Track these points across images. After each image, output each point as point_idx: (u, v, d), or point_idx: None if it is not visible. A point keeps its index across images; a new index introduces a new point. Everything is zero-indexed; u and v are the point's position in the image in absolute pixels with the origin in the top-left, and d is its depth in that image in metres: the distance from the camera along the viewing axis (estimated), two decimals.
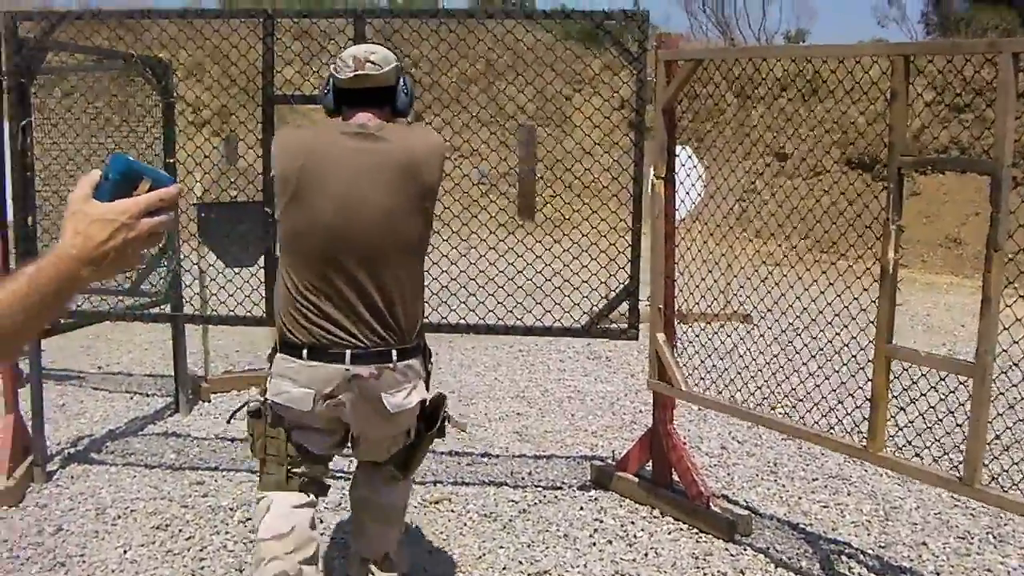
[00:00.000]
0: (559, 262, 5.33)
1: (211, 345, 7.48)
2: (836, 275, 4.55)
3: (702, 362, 5.21)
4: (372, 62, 3.37)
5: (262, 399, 3.43)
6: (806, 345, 4.73)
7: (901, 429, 4.80)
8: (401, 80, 3.47)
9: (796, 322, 4.90)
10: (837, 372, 4.66)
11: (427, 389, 3.55)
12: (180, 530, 4.75)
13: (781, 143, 15.58)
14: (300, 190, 3.25)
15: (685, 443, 5.26)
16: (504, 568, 4.43)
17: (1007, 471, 4.42)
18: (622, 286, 5.22)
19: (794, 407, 5.24)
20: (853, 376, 4.46)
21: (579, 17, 5.55)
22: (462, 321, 5.41)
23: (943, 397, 4.21)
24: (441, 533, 4.78)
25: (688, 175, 5.38)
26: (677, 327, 5.21)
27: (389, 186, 3.28)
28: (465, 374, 8.20)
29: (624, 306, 5.25)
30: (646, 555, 4.57)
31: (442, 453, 5.91)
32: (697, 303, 5.25)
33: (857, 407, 4.53)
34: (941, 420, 4.25)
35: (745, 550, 4.61)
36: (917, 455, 4.40)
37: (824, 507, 5.18)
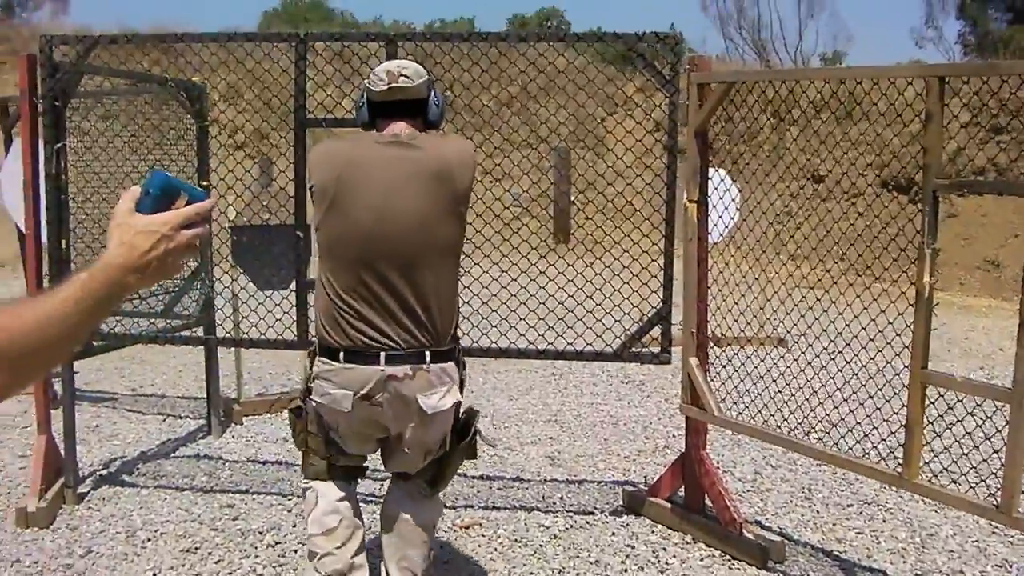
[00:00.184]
0: (591, 286, 5.29)
1: (245, 367, 7.50)
2: (870, 299, 4.49)
3: (735, 387, 5.16)
4: (405, 75, 3.51)
5: (303, 399, 3.65)
6: (840, 370, 4.68)
7: (937, 456, 4.73)
8: (432, 93, 3.61)
9: (831, 346, 4.85)
10: (872, 397, 4.59)
11: (461, 395, 3.64)
12: (209, 553, 4.74)
13: (815, 165, 15.49)
14: (338, 199, 3.40)
15: (718, 468, 5.21)
16: None
17: None
18: (655, 310, 5.18)
19: (828, 433, 5.17)
20: (888, 401, 4.40)
21: (611, 39, 5.51)
22: (494, 345, 5.38)
23: (980, 423, 4.14)
24: (472, 558, 4.74)
25: (721, 198, 5.34)
26: (711, 351, 5.17)
27: (423, 192, 3.40)
28: (498, 398, 8.17)
29: (656, 330, 5.21)
30: None
31: (473, 477, 5.88)
32: (730, 327, 5.20)
33: (892, 432, 4.46)
34: (978, 446, 4.18)
35: None
36: (953, 482, 4.34)
37: (859, 534, 5.11)
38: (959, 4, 34.26)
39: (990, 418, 4.20)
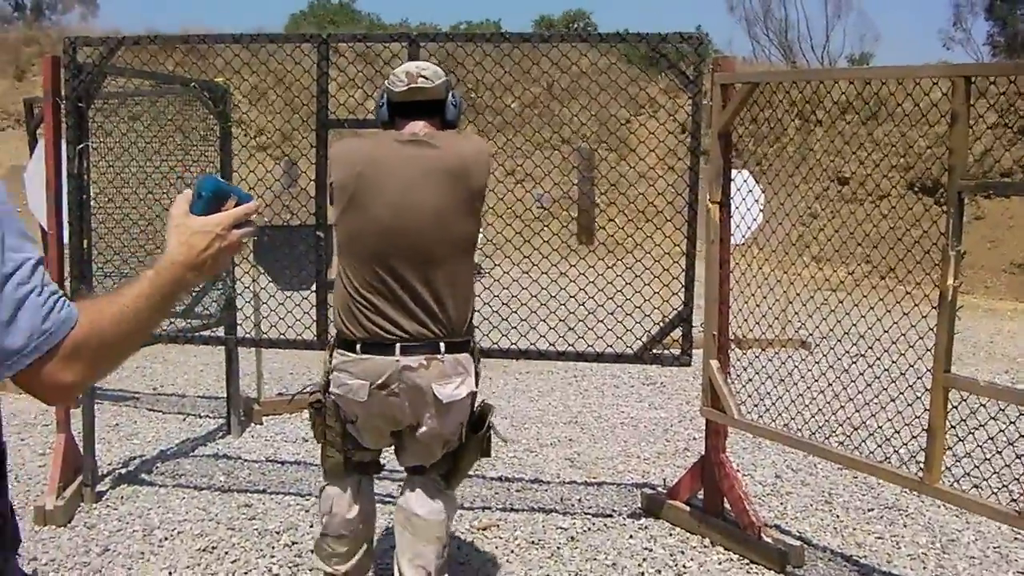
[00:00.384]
0: (611, 287, 5.27)
1: (265, 367, 7.50)
2: (894, 301, 4.45)
3: (756, 389, 5.12)
4: (424, 76, 3.60)
5: (322, 392, 3.74)
6: (861, 374, 4.63)
7: (959, 460, 4.67)
8: (451, 94, 3.70)
9: (853, 349, 4.80)
10: (893, 401, 4.54)
11: (475, 385, 3.69)
12: (226, 552, 4.74)
13: (839, 166, 15.41)
14: (357, 196, 3.49)
15: (738, 471, 5.17)
16: None
17: None
18: (676, 312, 5.15)
19: (849, 436, 5.12)
20: (910, 405, 4.35)
21: (634, 40, 5.46)
22: (514, 346, 5.36)
23: (1003, 428, 4.09)
24: (488, 560, 4.72)
25: (744, 199, 5.30)
26: (733, 353, 5.13)
27: (440, 188, 3.49)
28: (519, 399, 8.16)
29: (677, 332, 5.17)
30: None
31: (492, 479, 5.87)
32: (752, 330, 5.16)
33: (914, 437, 4.41)
34: (1001, 451, 4.13)
35: None
36: (975, 487, 4.28)
37: (879, 539, 5.06)
38: (987, 4, 34.05)
39: (1013, 423, 4.14)
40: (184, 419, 7.27)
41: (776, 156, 12.36)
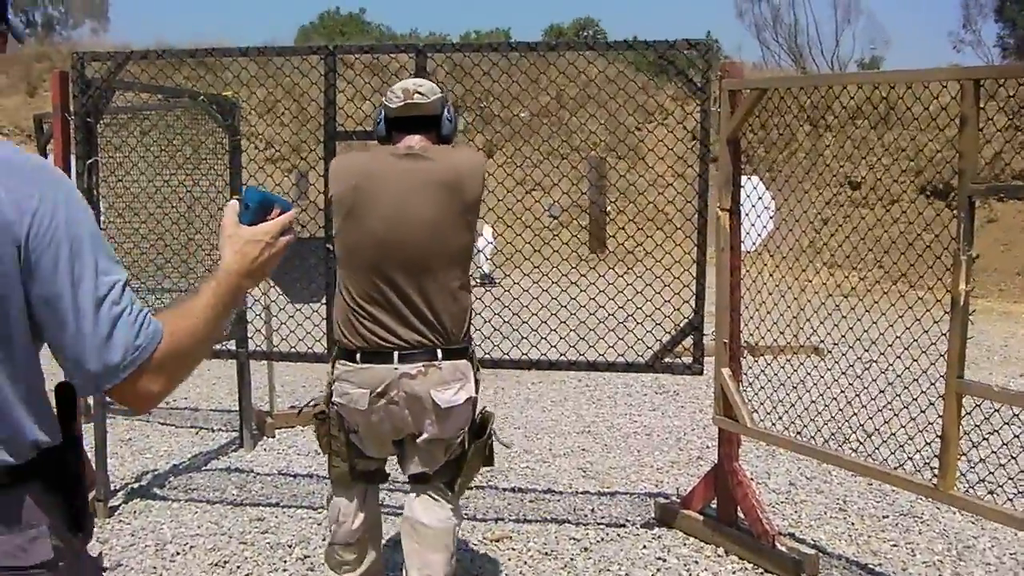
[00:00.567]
0: (622, 296, 5.25)
1: (278, 380, 7.50)
2: (905, 307, 4.42)
3: (768, 397, 5.10)
4: (420, 93, 3.69)
5: (326, 403, 3.83)
6: (874, 380, 4.61)
7: (974, 466, 4.64)
8: (446, 110, 3.78)
9: (865, 355, 4.77)
10: (907, 407, 4.51)
11: (475, 391, 3.77)
12: (238, 567, 4.73)
13: (849, 171, 15.36)
14: (355, 208, 3.57)
15: (751, 479, 5.14)
16: None
17: None
18: (687, 320, 5.13)
19: (863, 443, 5.10)
20: (923, 412, 4.32)
21: (642, 47, 5.45)
22: (525, 356, 5.35)
23: (1017, 433, 4.06)
24: (501, 572, 4.70)
25: (754, 206, 5.28)
26: (745, 360, 5.10)
27: (434, 200, 3.57)
28: (531, 409, 8.14)
29: (689, 340, 5.15)
30: None
31: (505, 489, 5.85)
32: (763, 337, 5.14)
33: (928, 444, 4.38)
34: (1015, 457, 4.09)
35: None
36: (991, 493, 4.24)
37: (894, 546, 5.02)
38: (997, 6, 33.99)
39: None
40: (197, 433, 7.27)
41: (786, 162, 12.34)
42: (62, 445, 1.82)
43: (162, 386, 1.77)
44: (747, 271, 5.07)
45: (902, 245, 4.75)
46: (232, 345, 6.28)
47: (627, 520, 5.37)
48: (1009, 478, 4.15)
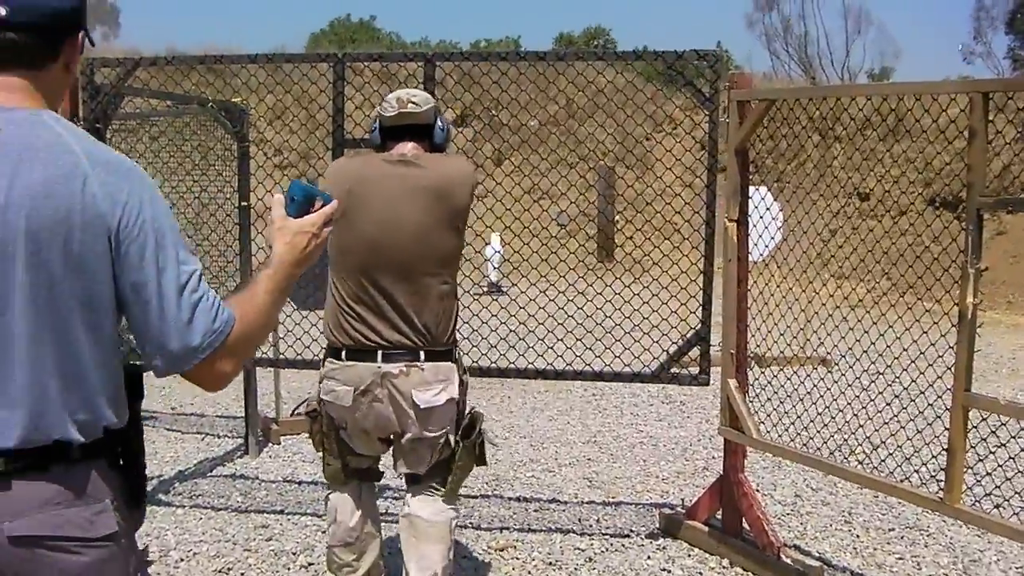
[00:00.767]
0: (629, 306, 5.25)
1: (284, 387, 7.50)
2: (912, 319, 4.41)
3: (775, 408, 5.09)
4: (413, 102, 3.80)
5: (318, 401, 3.92)
6: (881, 392, 4.59)
7: (981, 480, 4.62)
8: (439, 119, 3.90)
9: (872, 367, 4.76)
10: (913, 420, 4.50)
11: (458, 393, 3.84)
12: (242, 574, 4.72)
13: (857, 182, 15.34)
14: (347, 212, 3.59)
15: (757, 491, 5.13)
16: None
17: None
18: (694, 330, 5.12)
19: (868, 456, 5.08)
20: (930, 424, 4.31)
21: (650, 57, 5.45)
22: (531, 365, 5.34)
23: (1023, 448, 4.05)
24: None
25: (762, 217, 5.28)
26: (753, 371, 5.09)
27: (423, 206, 3.68)
28: (537, 418, 8.14)
29: (696, 351, 5.14)
30: None
31: (510, 499, 5.84)
32: (770, 348, 5.13)
33: (934, 456, 4.36)
34: (1022, 471, 4.08)
35: None
36: (997, 507, 4.23)
37: (900, 559, 5.00)
38: (1008, 19, 33.95)
39: None
40: (202, 439, 7.28)
41: (795, 172, 12.33)
42: (126, 426, 2.00)
43: (233, 366, 1.96)
44: (754, 282, 5.06)
45: (910, 257, 4.74)
46: None
47: (632, 530, 5.36)
48: (1016, 492, 4.13)
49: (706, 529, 5.09)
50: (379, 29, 36.51)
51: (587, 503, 5.85)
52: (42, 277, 1.80)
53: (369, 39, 33.83)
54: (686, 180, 5.82)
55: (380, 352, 3.70)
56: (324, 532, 5.15)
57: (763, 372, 5.67)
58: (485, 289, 13.86)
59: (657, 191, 6.23)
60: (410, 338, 3.70)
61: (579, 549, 5.07)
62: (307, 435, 6.92)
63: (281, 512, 5.58)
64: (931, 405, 4.37)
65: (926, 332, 4.24)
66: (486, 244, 14.78)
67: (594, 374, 5.28)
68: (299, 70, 5.91)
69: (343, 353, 3.76)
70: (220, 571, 4.76)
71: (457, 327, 3.92)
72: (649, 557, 4.97)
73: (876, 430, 4.85)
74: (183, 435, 7.35)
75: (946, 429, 3.92)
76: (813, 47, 37.90)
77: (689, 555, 4.99)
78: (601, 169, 15.67)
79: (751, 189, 5.04)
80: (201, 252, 6.55)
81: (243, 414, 7.00)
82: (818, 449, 4.85)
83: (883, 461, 4.73)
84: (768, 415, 5.08)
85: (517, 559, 4.94)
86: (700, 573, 4.78)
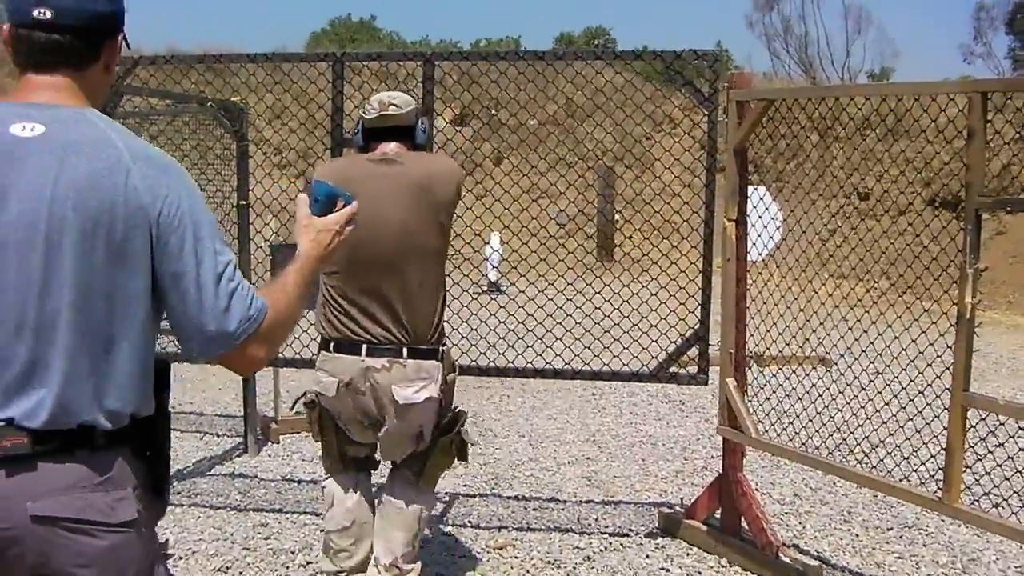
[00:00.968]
0: (627, 306, 5.25)
1: (283, 386, 7.50)
2: (911, 319, 4.41)
3: (773, 408, 5.09)
4: (395, 104, 3.93)
5: (315, 392, 4.02)
6: (879, 392, 4.59)
7: (979, 479, 4.62)
8: (420, 120, 4.03)
9: (871, 367, 4.76)
10: (912, 419, 4.50)
11: (440, 391, 3.92)
12: (241, 572, 4.72)
13: (857, 182, 15.34)
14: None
15: (756, 490, 5.13)
16: None
17: None
18: (692, 330, 5.12)
19: (867, 455, 5.09)
20: (928, 424, 4.31)
21: (649, 57, 5.44)
22: (530, 364, 5.34)
23: (1022, 447, 4.04)
24: None
25: (761, 216, 5.28)
26: (751, 371, 5.10)
27: (406, 202, 3.79)
28: (537, 417, 8.14)
29: (695, 350, 5.14)
30: None
31: (508, 498, 5.84)
32: (769, 347, 5.13)
33: (933, 456, 4.37)
34: (1021, 470, 4.08)
35: None
36: (996, 506, 4.23)
37: (899, 558, 5.01)
38: (1008, 19, 33.96)
39: None
40: (201, 438, 7.28)
41: (794, 172, 12.33)
42: (153, 416, 2.07)
43: (266, 352, 2.05)
44: (753, 281, 5.07)
45: (909, 257, 4.74)
46: None
47: (631, 529, 5.36)
48: (1015, 491, 4.12)
49: (705, 528, 5.09)
50: (379, 29, 36.53)
51: (586, 502, 5.85)
52: (85, 266, 1.89)
53: (369, 39, 33.83)
54: (685, 180, 5.81)
55: (365, 346, 3.80)
56: (322, 531, 5.17)
57: (762, 371, 5.68)
58: (484, 288, 13.89)
59: (656, 191, 6.25)
60: (394, 334, 3.80)
61: (578, 548, 5.07)
62: (306, 433, 6.99)
63: (280, 511, 5.58)
64: (930, 405, 4.37)
65: (925, 332, 4.24)
66: (485, 243, 14.78)
67: (593, 373, 5.29)
68: (298, 69, 5.91)
69: (331, 345, 3.87)
70: (219, 570, 4.76)
71: (447, 322, 4.03)
72: (648, 556, 4.97)
73: (875, 429, 4.85)
74: (182, 434, 7.34)
75: (945, 429, 3.92)
76: (813, 47, 37.93)
77: (688, 554, 4.99)
78: (600, 169, 15.66)
79: (750, 189, 5.04)
80: None
81: (242, 413, 7.00)
82: (817, 448, 4.85)
83: (882, 460, 4.72)
84: (767, 414, 5.08)
85: (516, 558, 4.94)
86: (699, 572, 4.78)
